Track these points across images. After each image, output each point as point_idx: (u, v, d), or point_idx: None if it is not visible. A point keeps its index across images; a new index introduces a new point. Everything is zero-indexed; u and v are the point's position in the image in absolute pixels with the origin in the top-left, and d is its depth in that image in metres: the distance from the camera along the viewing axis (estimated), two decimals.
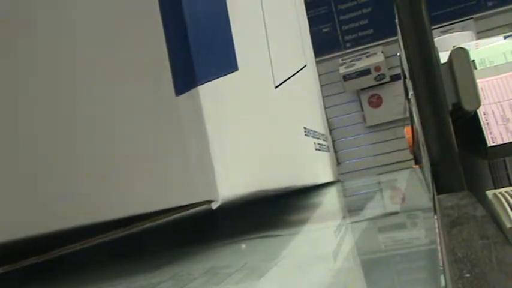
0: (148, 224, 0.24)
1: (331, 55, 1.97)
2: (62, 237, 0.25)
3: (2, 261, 0.26)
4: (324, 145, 0.54)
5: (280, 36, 0.42)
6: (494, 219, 0.26)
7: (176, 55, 0.24)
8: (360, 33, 1.96)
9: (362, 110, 1.96)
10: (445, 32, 1.56)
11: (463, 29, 1.63)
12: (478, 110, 0.49)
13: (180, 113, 0.24)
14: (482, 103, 0.43)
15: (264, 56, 0.35)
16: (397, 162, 1.83)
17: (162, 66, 0.24)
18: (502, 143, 0.49)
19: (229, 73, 0.27)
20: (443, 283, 0.15)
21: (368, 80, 1.88)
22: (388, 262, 0.20)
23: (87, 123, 0.25)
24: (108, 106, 0.25)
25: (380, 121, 1.92)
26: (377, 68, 1.86)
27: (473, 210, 0.26)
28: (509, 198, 0.27)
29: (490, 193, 0.30)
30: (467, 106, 0.41)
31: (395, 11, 0.41)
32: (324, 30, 1.99)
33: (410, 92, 0.46)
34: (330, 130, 1.88)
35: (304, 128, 0.44)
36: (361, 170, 1.93)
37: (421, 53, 0.39)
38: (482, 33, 1.60)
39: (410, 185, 0.51)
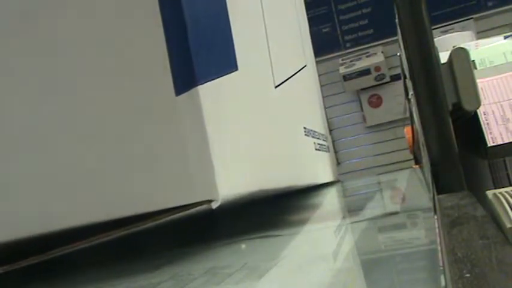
0: (148, 224, 0.24)
1: (331, 55, 1.97)
2: (62, 237, 0.25)
3: (2, 261, 0.26)
4: (324, 145, 0.54)
5: (280, 36, 0.42)
6: (494, 219, 0.26)
7: (176, 55, 0.24)
8: (360, 33, 1.96)
9: (362, 110, 1.96)
10: (445, 32, 1.56)
11: (463, 29, 1.63)
12: (478, 110, 0.49)
13: (180, 113, 0.24)
14: (482, 103, 0.43)
15: (264, 56, 0.35)
16: (397, 162, 1.83)
17: (162, 66, 0.24)
18: (502, 143, 0.49)
19: (229, 73, 0.27)
20: (443, 283, 0.15)
21: (368, 80, 1.88)
22: (388, 262, 0.20)
23: (86, 122, 0.25)
24: (108, 106, 0.25)
25: (380, 121, 1.92)
26: (377, 68, 1.86)
27: (473, 210, 0.26)
28: (509, 198, 0.27)
29: (490, 193, 0.30)
30: (467, 106, 0.41)
31: (395, 11, 0.41)
32: (324, 30, 1.99)
33: (410, 92, 0.46)
34: (330, 130, 1.88)
35: (304, 128, 0.44)
36: (361, 170, 1.93)
37: (421, 53, 0.39)
38: (482, 33, 1.60)
39: (410, 185, 0.51)
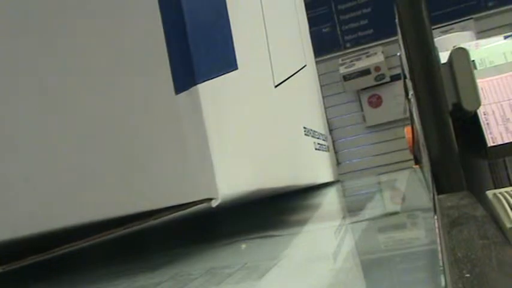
0: (148, 223, 0.24)
1: (331, 55, 1.97)
2: (61, 236, 0.25)
3: (2, 260, 0.25)
4: (324, 145, 0.54)
5: (280, 35, 0.42)
6: (494, 219, 0.26)
7: (175, 53, 0.24)
8: (360, 33, 1.96)
9: (362, 110, 1.96)
10: (445, 32, 1.56)
11: (463, 29, 1.63)
12: (478, 110, 0.49)
13: (180, 111, 0.24)
14: (482, 103, 0.43)
15: (264, 55, 0.35)
16: (397, 162, 1.83)
17: (162, 64, 0.24)
18: (502, 143, 0.49)
19: (229, 72, 0.27)
20: (443, 283, 0.15)
21: (368, 80, 1.88)
22: (388, 262, 0.20)
23: (86, 121, 0.25)
24: (107, 104, 0.25)
25: (380, 121, 1.92)
26: (377, 68, 1.86)
27: (473, 210, 0.26)
28: (509, 198, 0.27)
29: (490, 193, 0.30)
30: (467, 106, 0.41)
31: (395, 11, 0.41)
32: (324, 30, 1.99)
33: (410, 92, 0.46)
34: (330, 130, 1.88)
35: (304, 127, 0.44)
36: (361, 170, 1.93)
37: (421, 53, 0.39)
38: (482, 33, 1.60)
39: (410, 185, 0.51)
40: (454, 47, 0.44)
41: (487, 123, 0.50)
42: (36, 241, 0.26)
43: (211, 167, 0.24)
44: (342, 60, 1.93)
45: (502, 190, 0.30)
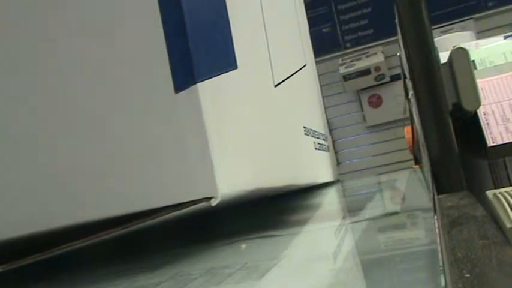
0: (148, 222, 0.24)
1: (331, 55, 1.96)
2: (61, 235, 0.25)
3: (2, 259, 0.25)
4: (324, 145, 0.54)
5: (279, 35, 0.42)
6: (494, 219, 0.26)
7: (175, 52, 0.24)
8: (360, 33, 1.96)
9: (362, 110, 1.96)
10: (445, 32, 1.56)
11: (463, 29, 1.63)
12: (478, 110, 0.49)
13: (179, 110, 0.24)
14: (482, 103, 0.43)
15: (264, 55, 0.35)
16: (397, 162, 1.83)
17: (161, 63, 0.24)
18: (502, 143, 0.49)
19: (229, 71, 0.27)
20: (443, 283, 0.15)
21: (368, 80, 1.88)
22: (388, 262, 0.20)
23: (86, 121, 0.25)
24: (107, 104, 0.25)
25: (380, 121, 1.92)
26: (377, 68, 1.86)
27: (473, 210, 0.26)
28: (509, 198, 0.27)
29: (490, 193, 0.30)
30: (467, 106, 0.41)
31: (395, 11, 0.41)
32: (324, 30, 1.99)
33: (410, 92, 0.46)
34: (330, 130, 1.88)
35: (304, 127, 0.44)
36: (361, 170, 1.93)
37: (421, 53, 0.39)
38: (482, 33, 1.60)
39: (410, 185, 0.51)
40: (454, 47, 0.44)
41: (487, 123, 0.50)
42: (36, 240, 0.26)
43: (211, 165, 0.24)
44: (342, 60, 1.93)
45: (502, 190, 0.30)
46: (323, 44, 1.96)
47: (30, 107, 0.25)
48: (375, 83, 1.89)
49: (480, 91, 0.42)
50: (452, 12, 1.82)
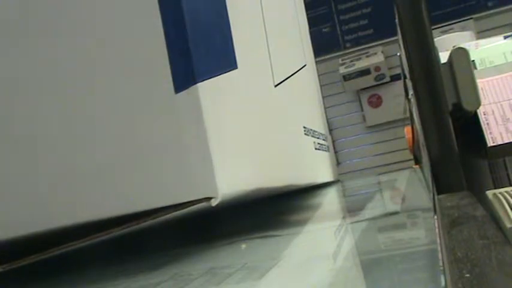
0: (148, 222, 0.24)
1: (331, 55, 1.97)
2: (61, 235, 0.25)
3: (2, 259, 0.26)
4: (324, 145, 0.54)
5: (279, 35, 0.42)
6: (494, 219, 0.26)
7: (175, 52, 0.24)
8: (360, 33, 1.96)
9: (362, 110, 1.96)
10: (445, 32, 1.56)
11: (463, 29, 1.63)
12: (478, 110, 0.49)
13: (179, 110, 0.24)
14: (482, 103, 0.43)
15: (264, 55, 0.35)
16: (397, 162, 1.83)
17: (161, 62, 0.24)
18: (502, 143, 0.49)
19: (229, 71, 0.27)
20: (443, 283, 0.15)
21: (368, 80, 1.88)
22: (388, 262, 0.20)
23: (85, 121, 0.25)
24: (107, 104, 0.25)
25: (380, 121, 1.92)
26: (377, 68, 1.86)
27: (473, 210, 0.26)
28: (509, 198, 0.27)
29: (490, 193, 0.30)
30: (467, 106, 0.41)
31: (395, 11, 0.41)
32: (324, 30, 1.99)
33: (410, 92, 0.46)
34: (330, 130, 1.88)
35: (304, 127, 0.44)
36: (361, 170, 1.93)
37: (421, 53, 0.39)
38: (482, 33, 1.60)
39: (410, 185, 0.51)
40: (454, 47, 0.44)
41: (487, 123, 0.50)
42: (36, 240, 0.26)
43: (211, 165, 0.24)
44: (342, 60, 1.93)
45: (502, 190, 0.30)
46: (323, 44, 1.96)
47: (30, 106, 0.25)
48: (375, 83, 1.89)
49: (480, 91, 0.42)
50: (452, 12, 1.82)
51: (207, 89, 0.24)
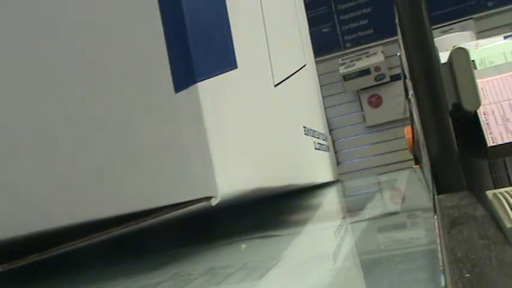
0: (147, 222, 0.24)
1: (331, 55, 1.97)
2: (61, 235, 0.25)
3: (2, 259, 0.26)
4: (324, 144, 0.54)
5: (279, 35, 0.42)
6: (494, 219, 0.26)
7: (175, 52, 0.24)
8: (360, 33, 1.96)
9: (362, 110, 1.96)
10: (445, 32, 1.56)
11: (463, 29, 1.63)
12: (478, 110, 0.49)
13: (179, 110, 0.24)
14: (482, 103, 0.43)
15: (264, 55, 0.35)
16: (397, 162, 1.83)
17: (161, 62, 0.24)
18: (502, 143, 0.49)
19: (229, 71, 0.27)
20: (443, 283, 0.15)
21: (368, 80, 1.88)
22: (388, 262, 0.20)
23: (85, 120, 0.25)
24: (107, 103, 0.25)
25: (380, 121, 1.92)
26: (377, 68, 1.86)
27: (473, 210, 0.26)
28: (509, 198, 0.27)
29: (490, 193, 0.30)
30: (467, 106, 0.41)
31: (395, 11, 0.41)
32: (324, 30, 1.99)
33: (410, 92, 0.46)
34: (330, 130, 1.88)
35: (304, 127, 0.44)
36: (361, 170, 1.93)
37: (421, 53, 0.39)
38: (482, 33, 1.60)
39: (410, 185, 0.51)
40: (454, 47, 0.44)
41: (487, 123, 0.50)
42: (36, 240, 0.26)
43: (211, 165, 0.24)
44: (342, 60, 1.93)
45: (502, 190, 0.30)
46: (323, 44, 1.96)
47: (30, 106, 0.25)
48: (375, 83, 1.89)
49: (480, 91, 0.42)
50: (452, 12, 1.82)
51: (207, 89, 0.24)
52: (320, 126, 0.54)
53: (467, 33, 0.91)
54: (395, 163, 1.84)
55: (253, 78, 0.32)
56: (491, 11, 1.79)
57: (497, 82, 0.53)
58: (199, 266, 0.23)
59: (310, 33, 0.63)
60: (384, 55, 1.86)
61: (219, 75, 0.26)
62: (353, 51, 1.95)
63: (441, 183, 0.37)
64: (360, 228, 0.28)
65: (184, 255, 0.28)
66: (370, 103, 1.94)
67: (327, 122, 0.67)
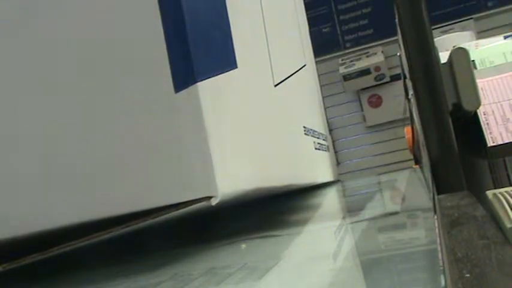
0: (148, 221, 0.24)
1: (331, 55, 1.97)
2: (61, 235, 0.25)
3: (2, 259, 0.26)
4: (324, 144, 0.54)
5: (279, 35, 0.42)
6: (494, 219, 0.26)
7: (175, 51, 0.24)
8: (360, 33, 1.96)
9: (362, 110, 1.96)
10: (445, 32, 1.56)
11: (463, 29, 1.63)
12: (478, 110, 0.49)
13: (179, 110, 0.24)
14: (482, 103, 0.43)
15: (264, 54, 0.35)
16: (397, 162, 1.83)
17: (161, 62, 0.24)
18: (502, 143, 0.49)
19: (229, 71, 0.27)
20: (443, 283, 0.15)
21: (368, 80, 1.88)
22: (388, 262, 0.20)
23: (86, 120, 0.25)
24: (107, 103, 0.25)
25: (380, 121, 1.92)
26: (377, 68, 1.86)
27: (473, 210, 0.26)
28: (509, 198, 0.27)
29: (490, 193, 0.30)
30: (467, 106, 0.41)
31: (395, 11, 0.41)
32: (324, 30, 1.99)
33: (410, 92, 0.46)
34: (330, 130, 1.88)
35: (304, 127, 0.44)
36: (361, 170, 1.93)
37: (421, 53, 0.39)
38: (482, 33, 1.60)
39: (410, 185, 0.51)
40: (454, 47, 0.44)
41: (487, 123, 0.50)
42: (36, 240, 0.26)
43: (211, 165, 0.24)
44: (342, 60, 1.93)
45: (502, 190, 0.30)
46: (323, 44, 1.96)
47: (30, 106, 0.25)
48: (375, 83, 1.89)
49: (480, 91, 0.42)
50: (452, 12, 1.82)
51: (207, 89, 0.24)
52: (320, 126, 0.54)
53: (467, 33, 0.91)
54: (395, 163, 1.84)
55: (253, 78, 0.32)
56: (491, 11, 1.79)
57: (497, 82, 0.53)
58: (199, 266, 0.23)
59: (310, 33, 0.63)
60: (384, 55, 1.86)
61: (219, 75, 0.26)
62: (353, 51, 1.95)
63: (441, 183, 0.37)
64: (360, 228, 0.28)
65: (184, 255, 0.28)
66: (370, 103, 1.94)
67: (327, 122, 0.67)
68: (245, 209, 0.36)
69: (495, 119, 0.50)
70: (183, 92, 0.24)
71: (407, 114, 0.83)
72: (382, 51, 1.88)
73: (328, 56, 1.96)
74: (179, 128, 0.24)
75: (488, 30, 1.71)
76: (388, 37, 1.85)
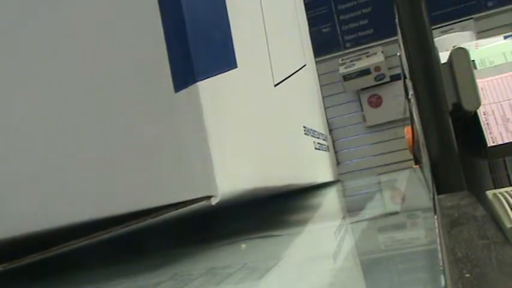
0: (147, 221, 0.24)
1: (331, 55, 1.97)
2: (61, 234, 0.25)
3: (2, 259, 0.25)
4: (324, 144, 0.54)
5: (279, 34, 0.42)
6: (494, 219, 0.26)
7: (175, 51, 0.24)
8: (360, 33, 1.96)
9: (362, 110, 1.96)
10: (445, 32, 1.56)
11: (463, 29, 1.63)
12: (478, 110, 0.49)
13: (179, 109, 0.24)
14: (482, 103, 0.43)
15: (263, 54, 0.35)
16: (397, 162, 1.83)
17: (161, 62, 0.24)
18: (502, 143, 0.49)
19: (228, 71, 0.27)
20: (443, 283, 0.15)
21: (368, 80, 1.88)
22: (388, 262, 0.20)
23: (86, 120, 0.25)
24: (106, 103, 0.25)
25: (380, 121, 1.92)
26: (377, 68, 1.86)
27: (473, 210, 0.26)
28: (509, 198, 0.27)
29: (490, 193, 0.30)
30: (467, 106, 0.41)
31: (395, 11, 0.41)
32: (324, 30, 1.99)
33: (410, 92, 0.46)
34: (330, 130, 1.88)
35: (304, 127, 0.44)
36: (361, 170, 1.93)
37: (421, 53, 0.39)
38: (482, 33, 1.60)
39: (410, 185, 0.51)
40: (454, 47, 0.44)
41: (487, 123, 0.50)
42: (36, 240, 0.26)
43: (211, 164, 0.24)
44: (342, 60, 1.93)
45: (502, 190, 0.30)
46: (323, 44, 1.96)
47: (30, 106, 0.25)
48: (375, 83, 1.89)
49: (480, 91, 0.42)
50: (452, 12, 1.82)
51: (207, 88, 0.24)
52: (320, 126, 0.54)
53: (467, 33, 0.91)
54: (395, 163, 1.84)
55: (253, 78, 0.32)
56: (491, 11, 1.79)
57: (497, 82, 0.53)
58: (199, 266, 0.23)
59: (310, 33, 0.63)
60: (384, 55, 1.87)
61: (219, 75, 0.26)
62: (353, 51, 1.95)
63: (441, 183, 0.37)
64: (360, 228, 0.28)
65: (184, 255, 0.28)
66: (370, 103, 1.94)
67: (327, 122, 0.67)
68: (245, 209, 0.36)
69: (495, 119, 0.50)
70: (183, 92, 0.24)
71: (407, 114, 0.83)
72: (382, 51, 1.88)
73: (328, 56, 1.96)
74: (179, 127, 0.24)
75: (488, 30, 1.71)
76: (388, 37, 1.85)
